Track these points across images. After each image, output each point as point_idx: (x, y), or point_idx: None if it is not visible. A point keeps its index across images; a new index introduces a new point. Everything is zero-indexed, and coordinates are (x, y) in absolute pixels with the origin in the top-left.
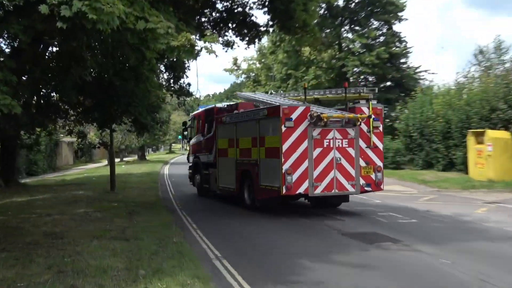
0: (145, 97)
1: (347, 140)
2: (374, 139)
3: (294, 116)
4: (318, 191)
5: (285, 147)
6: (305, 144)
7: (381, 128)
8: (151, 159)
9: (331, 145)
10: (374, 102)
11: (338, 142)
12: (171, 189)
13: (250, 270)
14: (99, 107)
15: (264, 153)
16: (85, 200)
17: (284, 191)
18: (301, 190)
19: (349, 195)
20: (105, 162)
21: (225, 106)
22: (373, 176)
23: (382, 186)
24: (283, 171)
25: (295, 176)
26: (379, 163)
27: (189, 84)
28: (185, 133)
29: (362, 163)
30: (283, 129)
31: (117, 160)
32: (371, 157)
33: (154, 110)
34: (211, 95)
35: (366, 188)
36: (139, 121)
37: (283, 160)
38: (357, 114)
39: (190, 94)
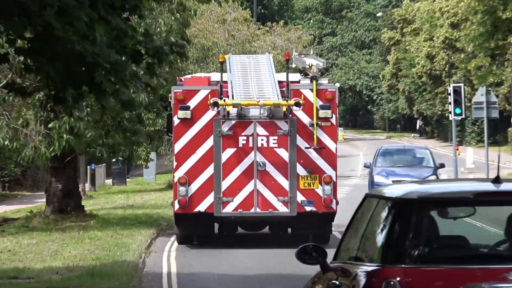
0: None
1: (276, 138)
2: (322, 136)
3: (192, 103)
4: (229, 209)
5: (178, 146)
6: (209, 143)
7: (333, 120)
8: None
9: (250, 145)
10: (324, 80)
11: (262, 140)
12: None
13: None
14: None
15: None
16: None
17: (176, 207)
18: (202, 207)
19: (330, 227)
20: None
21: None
22: (319, 190)
23: (334, 206)
24: (175, 179)
25: (194, 187)
26: (330, 171)
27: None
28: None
29: (301, 171)
30: (176, 121)
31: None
32: (315, 162)
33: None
34: None
35: (307, 208)
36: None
37: (175, 164)
38: (295, 98)
39: None
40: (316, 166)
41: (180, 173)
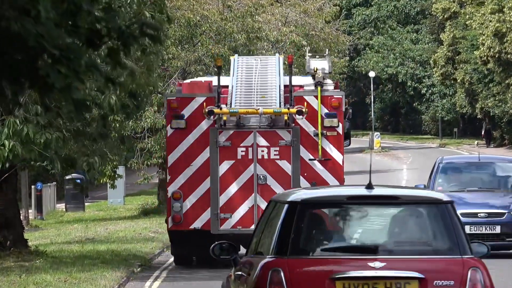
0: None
1: (277, 149)
2: (327, 146)
3: (187, 111)
4: (227, 226)
5: (172, 159)
6: (205, 155)
7: (340, 129)
8: None
9: (250, 156)
10: (330, 87)
11: (262, 151)
12: None
13: None
14: None
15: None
16: None
17: (170, 224)
18: (197, 224)
19: None
20: None
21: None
22: None
23: None
24: (169, 194)
25: (189, 202)
26: (336, 184)
27: None
28: None
29: (305, 184)
30: (169, 131)
31: None
32: (321, 175)
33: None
34: None
35: None
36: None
37: (169, 178)
38: (297, 106)
39: None
40: (321, 179)
41: (174, 187)
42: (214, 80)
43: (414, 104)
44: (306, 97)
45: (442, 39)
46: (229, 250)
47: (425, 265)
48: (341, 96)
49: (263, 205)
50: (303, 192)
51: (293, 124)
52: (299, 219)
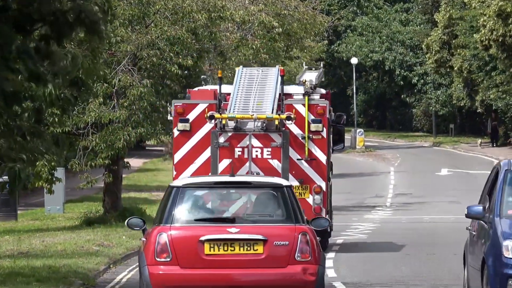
0: None
1: (269, 149)
2: (313, 148)
3: (191, 116)
4: None
5: (177, 157)
6: (206, 154)
7: (324, 133)
8: None
9: (246, 156)
10: (316, 96)
11: (256, 151)
12: None
13: None
14: None
15: None
16: None
17: None
18: None
19: (326, 234)
20: None
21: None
22: (309, 199)
23: (323, 214)
24: None
25: None
26: (320, 181)
27: None
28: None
29: (293, 181)
30: (176, 133)
31: None
32: (307, 173)
33: None
34: None
35: None
36: None
37: (174, 174)
38: (287, 113)
39: None
40: (307, 176)
41: None
42: (223, 88)
43: (404, 96)
44: (295, 105)
45: (436, 20)
46: (138, 223)
47: (268, 231)
48: (325, 105)
49: None
50: (185, 179)
51: (284, 128)
52: (179, 198)
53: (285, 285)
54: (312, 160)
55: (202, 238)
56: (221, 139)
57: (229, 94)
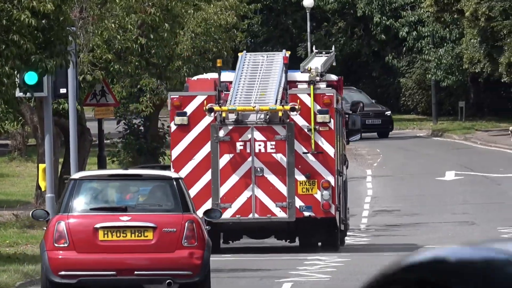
0: None
1: (273, 143)
2: (320, 140)
3: (189, 109)
4: (227, 215)
5: (175, 152)
6: (206, 149)
7: (332, 125)
8: None
9: (248, 150)
10: (322, 84)
11: (259, 145)
12: None
13: None
14: None
15: None
16: None
17: None
18: (199, 214)
19: (337, 233)
20: None
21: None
22: (317, 195)
23: (332, 211)
24: None
25: (191, 193)
26: (328, 176)
27: None
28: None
29: (299, 176)
30: (173, 127)
31: None
32: (314, 167)
33: None
34: None
35: (305, 213)
36: None
37: (172, 171)
38: (291, 104)
39: None
40: (314, 171)
41: None
42: (223, 75)
43: (387, 58)
44: (300, 95)
45: None
46: (43, 215)
47: (157, 219)
48: (332, 94)
49: (260, 195)
50: (83, 172)
51: (288, 120)
52: (77, 190)
53: (173, 268)
54: (319, 153)
55: (97, 226)
56: (221, 133)
57: (231, 82)
